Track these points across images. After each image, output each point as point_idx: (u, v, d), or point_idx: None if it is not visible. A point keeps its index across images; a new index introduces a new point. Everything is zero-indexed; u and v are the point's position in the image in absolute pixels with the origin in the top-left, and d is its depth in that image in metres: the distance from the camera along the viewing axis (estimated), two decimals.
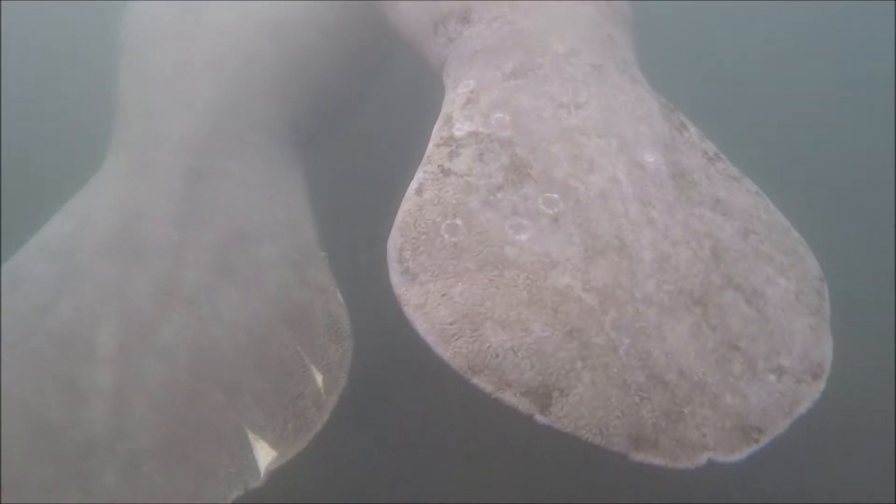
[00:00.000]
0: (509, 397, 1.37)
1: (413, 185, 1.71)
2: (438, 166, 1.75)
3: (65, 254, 2.10)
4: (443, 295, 1.52)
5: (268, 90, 2.57)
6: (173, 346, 1.92)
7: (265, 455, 1.80)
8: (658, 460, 1.42)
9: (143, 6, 2.82)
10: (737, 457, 1.48)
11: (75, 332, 1.92)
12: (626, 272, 1.62)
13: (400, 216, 1.65)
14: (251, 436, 1.86)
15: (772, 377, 1.62)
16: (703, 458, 1.46)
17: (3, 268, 2.12)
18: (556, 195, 1.72)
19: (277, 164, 2.48)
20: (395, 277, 1.55)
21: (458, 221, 1.64)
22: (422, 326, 1.45)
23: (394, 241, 1.61)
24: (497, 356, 1.42)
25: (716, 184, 1.95)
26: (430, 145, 1.81)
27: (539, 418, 1.36)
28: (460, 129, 1.84)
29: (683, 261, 1.70)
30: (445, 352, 1.42)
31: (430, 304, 1.49)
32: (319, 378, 1.96)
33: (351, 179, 3.06)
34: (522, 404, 1.37)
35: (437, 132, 1.85)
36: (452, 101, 1.94)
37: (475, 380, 1.39)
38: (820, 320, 1.81)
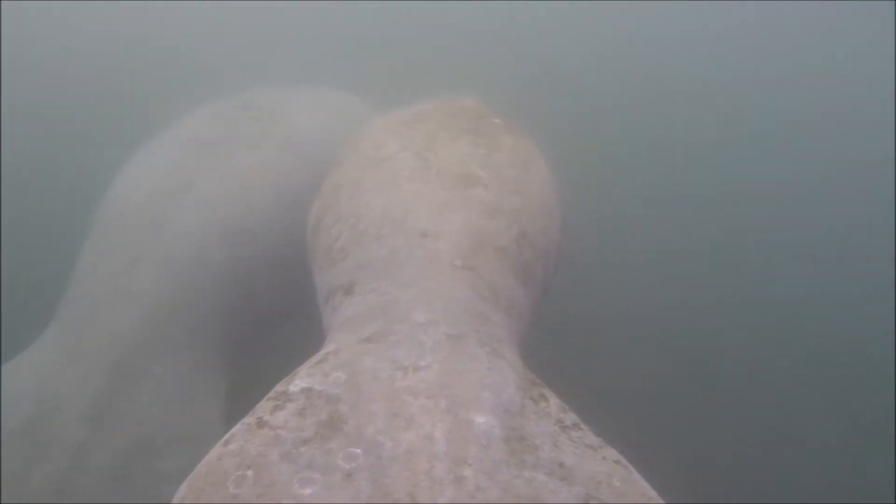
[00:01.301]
0: None
1: (226, 435, 1.77)
2: (257, 418, 1.81)
3: None
4: None
5: (210, 295, 2.74)
6: None
7: None
8: None
9: (122, 187, 3.12)
10: None
11: None
12: None
13: (198, 466, 1.69)
14: None
15: None
16: None
17: None
18: (358, 450, 1.71)
19: (201, 371, 2.57)
20: None
21: (249, 473, 1.65)
22: None
23: (179, 492, 1.62)
24: None
25: (563, 450, 1.86)
26: (263, 399, 1.89)
27: None
28: (297, 385, 1.92)
29: None
30: None
31: None
32: None
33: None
34: None
35: (275, 387, 1.94)
36: (309, 360, 2.06)
37: None
38: None
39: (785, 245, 5.06)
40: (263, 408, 1.85)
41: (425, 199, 2.60)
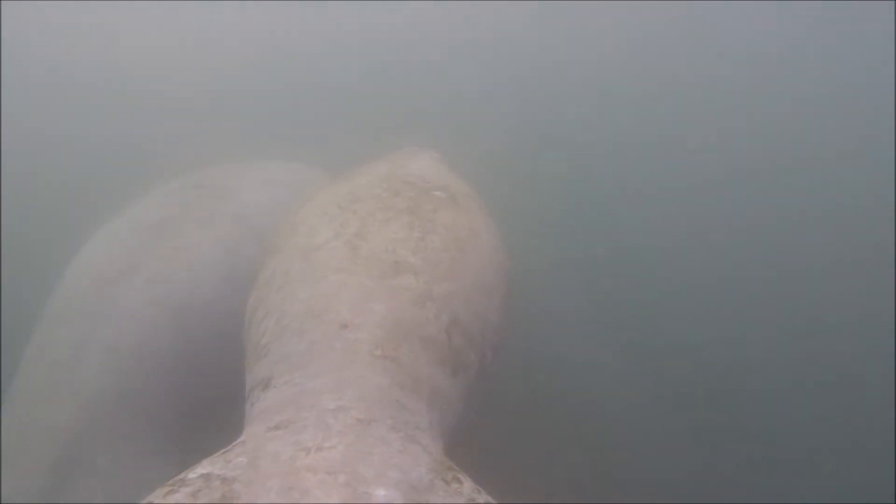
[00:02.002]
0: None
1: None
2: (148, 503, 1.76)
3: None
4: None
5: (157, 379, 2.62)
6: None
7: None
8: None
9: (70, 275, 2.98)
10: None
11: None
12: None
13: None
14: None
15: None
16: None
17: None
18: None
19: (149, 458, 2.44)
20: None
21: None
22: None
23: None
24: None
25: None
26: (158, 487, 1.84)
27: None
28: (196, 472, 1.88)
29: None
30: None
31: None
32: None
33: None
34: None
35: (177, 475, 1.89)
36: (217, 452, 2.02)
37: None
38: None
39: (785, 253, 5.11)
40: (157, 493, 1.81)
41: (350, 290, 2.58)
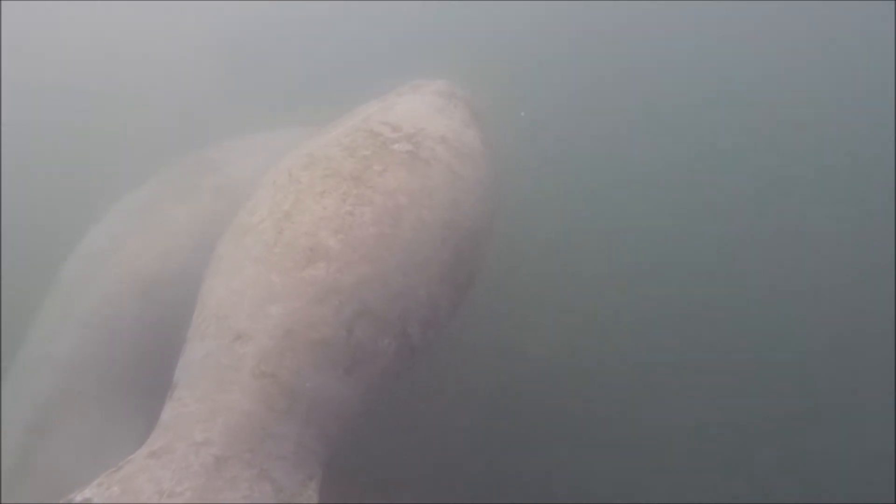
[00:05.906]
0: None
1: None
2: None
3: None
4: None
5: (126, 348, 3.03)
6: None
7: None
8: None
9: (73, 254, 3.41)
10: None
11: None
12: None
13: None
14: None
15: None
16: None
17: None
18: None
19: (118, 420, 2.92)
20: None
21: None
22: None
23: None
24: None
25: None
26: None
27: None
28: (81, 494, 2.43)
29: None
30: None
31: None
32: None
33: None
34: None
35: (69, 495, 2.45)
36: (110, 469, 2.53)
37: None
38: None
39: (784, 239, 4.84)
40: None
41: (257, 289, 2.67)
